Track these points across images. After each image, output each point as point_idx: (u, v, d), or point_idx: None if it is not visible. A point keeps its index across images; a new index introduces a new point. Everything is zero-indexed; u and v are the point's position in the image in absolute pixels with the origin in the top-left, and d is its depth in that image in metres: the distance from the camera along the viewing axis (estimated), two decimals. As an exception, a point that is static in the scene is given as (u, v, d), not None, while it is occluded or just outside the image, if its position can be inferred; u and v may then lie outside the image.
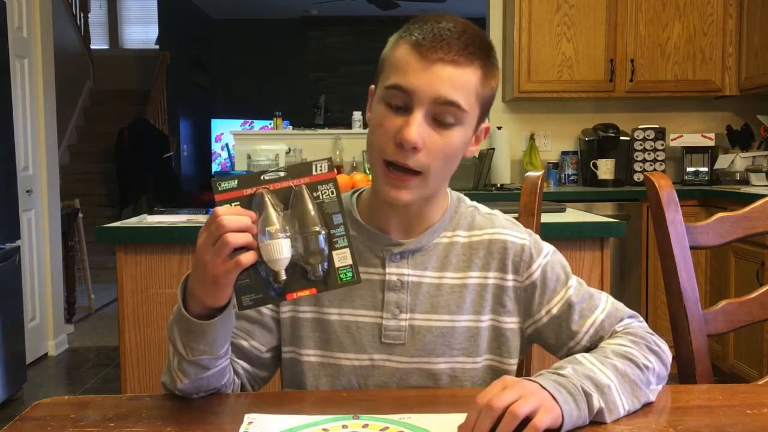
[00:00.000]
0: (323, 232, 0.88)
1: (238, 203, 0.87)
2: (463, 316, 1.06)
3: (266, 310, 1.08)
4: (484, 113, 1.03)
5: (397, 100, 0.97)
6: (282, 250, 0.85)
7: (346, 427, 0.86)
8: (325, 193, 0.88)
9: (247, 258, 0.85)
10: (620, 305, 1.10)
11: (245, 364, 1.08)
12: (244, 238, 0.85)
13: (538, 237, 1.11)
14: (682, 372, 1.24)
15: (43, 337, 4.18)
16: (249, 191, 0.87)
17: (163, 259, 2.07)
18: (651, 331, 1.06)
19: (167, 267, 2.06)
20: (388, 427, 0.86)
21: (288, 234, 0.86)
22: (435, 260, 1.06)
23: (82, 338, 4.67)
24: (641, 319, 1.10)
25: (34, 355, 4.03)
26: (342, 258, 0.88)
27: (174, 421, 0.91)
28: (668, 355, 1.03)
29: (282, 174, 0.88)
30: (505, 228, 1.09)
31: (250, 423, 0.88)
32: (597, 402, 0.88)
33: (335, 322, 1.06)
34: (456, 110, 0.96)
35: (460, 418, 0.89)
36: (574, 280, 1.08)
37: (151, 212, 2.29)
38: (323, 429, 0.86)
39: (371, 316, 1.06)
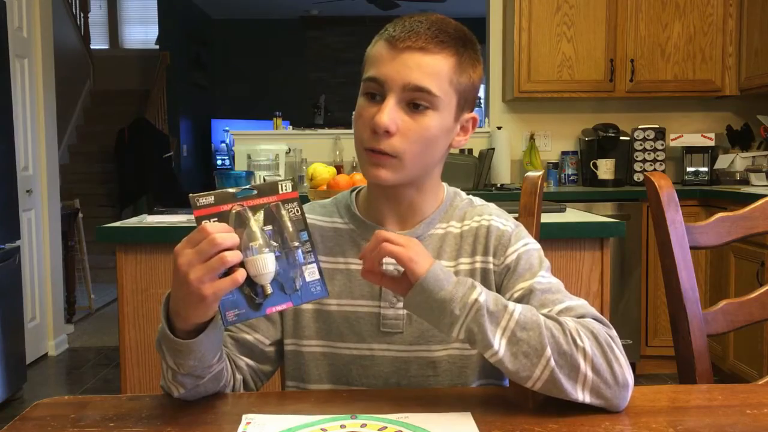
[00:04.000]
0: (301, 248, 0.91)
1: (215, 219, 0.88)
2: None
3: None
4: (465, 103, 1.05)
5: (372, 91, 1.02)
6: (268, 265, 0.88)
7: (344, 426, 0.87)
8: (291, 211, 0.92)
9: (242, 275, 0.86)
10: (592, 310, 0.99)
11: (248, 360, 1.10)
12: (239, 256, 0.86)
13: (525, 230, 1.11)
14: (682, 372, 1.23)
15: (43, 337, 4.18)
16: (225, 207, 0.89)
17: (163, 259, 2.07)
18: (614, 336, 0.94)
19: (167, 267, 2.06)
20: (386, 427, 0.86)
21: (272, 249, 0.89)
22: (430, 250, 1.08)
23: (82, 338, 4.67)
24: (611, 329, 0.96)
25: (34, 355, 4.03)
26: (311, 273, 0.92)
27: (174, 421, 0.91)
28: (624, 367, 0.91)
29: (254, 192, 0.91)
30: (493, 215, 1.11)
31: (248, 423, 0.88)
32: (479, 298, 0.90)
33: (335, 312, 1.09)
34: (427, 95, 1.00)
35: (458, 417, 0.89)
36: (547, 275, 1.05)
37: (151, 212, 2.29)
38: (321, 429, 0.86)
39: (369, 305, 1.08)
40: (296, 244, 0.91)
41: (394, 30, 1.01)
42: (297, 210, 0.92)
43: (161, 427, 0.89)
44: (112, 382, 3.77)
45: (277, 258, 0.89)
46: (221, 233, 0.85)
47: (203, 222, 0.87)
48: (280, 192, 0.92)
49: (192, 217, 0.93)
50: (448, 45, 1.01)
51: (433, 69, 1.00)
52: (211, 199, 0.88)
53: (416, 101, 1.00)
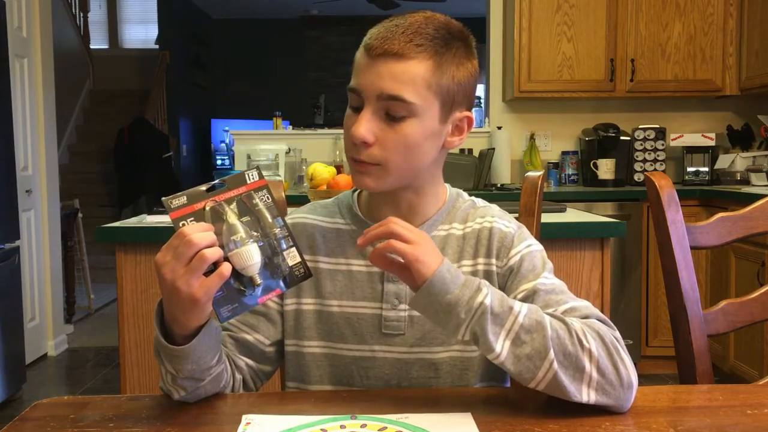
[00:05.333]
0: (280, 234, 0.91)
1: (192, 219, 0.89)
2: None
3: (271, 303, 1.10)
4: (453, 103, 1.02)
5: (353, 101, 1.01)
6: (253, 256, 0.88)
7: (344, 427, 0.86)
8: (262, 199, 0.92)
9: (228, 268, 0.86)
10: (596, 311, 0.99)
11: (248, 360, 1.09)
12: (219, 252, 0.86)
13: (527, 232, 1.11)
14: (683, 372, 1.23)
15: (42, 337, 4.18)
16: (199, 205, 0.89)
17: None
18: (618, 338, 0.95)
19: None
20: (386, 427, 0.86)
21: (254, 239, 0.89)
22: None
23: (82, 338, 4.67)
24: (616, 331, 0.96)
25: (33, 356, 4.03)
26: (292, 257, 0.92)
27: (173, 421, 0.91)
28: (629, 370, 0.91)
29: (224, 186, 0.91)
30: (495, 216, 1.10)
31: (248, 423, 0.88)
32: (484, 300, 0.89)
33: (336, 313, 1.08)
34: (402, 104, 0.98)
35: (459, 417, 0.89)
36: (550, 277, 1.05)
37: (150, 212, 2.29)
38: (321, 429, 0.86)
39: (371, 307, 1.07)
40: (276, 230, 0.91)
41: (370, 37, 1.00)
42: (268, 197, 0.92)
43: (161, 427, 0.89)
44: (111, 382, 3.77)
45: (260, 247, 0.89)
46: (198, 233, 0.85)
47: (181, 225, 0.87)
48: (248, 182, 0.92)
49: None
50: (424, 48, 0.98)
51: (408, 76, 0.97)
52: (183, 200, 0.89)
53: (391, 111, 0.98)
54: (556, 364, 0.88)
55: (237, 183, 0.91)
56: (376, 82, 0.98)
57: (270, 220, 0.91)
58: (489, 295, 0.90)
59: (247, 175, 0.92)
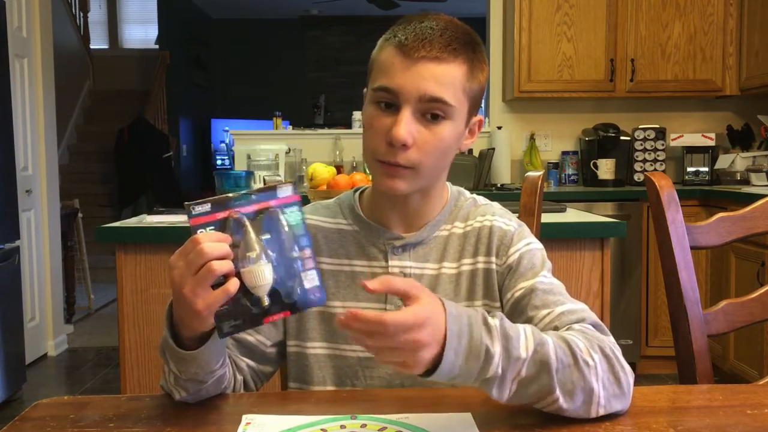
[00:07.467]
0: (300, 255, 0.88)
1: (212, 227, 0.86)
2: (460, 303, 1.05)
3: None
4: (474, 107, 1.05)
5: (383, 100, 0.99)
6: (265, 276, 0.85)
7: (344, 427, 0.86)
8: (291, 216, 0.89)
9: (234, 285, 0.84)
10: (592, 315, 0.99)
11: (249, 361, 1.09)
12: (228, 266, 0.84)
13: (528, 230, 1.11)
14: (683, 372, 1.23)
15: (42, 337, 4.18)
16: (222, 215, 0.86)
17: (162, 259, 2.07)
18: (614, 344, 0.94)
19: (167, 267, 2.06)
20: (386, 427, 0.86)
21: (269, 259, 0.86)
22: (435, 252, 1.08)
23: (82, 338, 4.67)
24: (610, 336, 0.96)
25: (33, 356, 4.03)
26: (311, 280, 0.89)
27: (174, 421, 0.91)
28: (628, 375, 0.91)
29: (252, 197, 0.88)
30: (496, 215, 1.10)
31: (248, 423, 0.88)
32: (494, 370, 0.83)
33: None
34: (443, 105, 0.98)
35: (459, 417, 0.89)
36: (549, 276, 1.04)
37: (150, 212, 2.29)
38: (321, 429, 0.86)
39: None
40: (295, 251, 0.88)
41: (405, 37, 0.98)
42: (298, 214, 0.89)
43: (161, 427, 0.89)
44: (111, 382, 3.77)
45: (274, 267, 0.86)
46: (210, 243, 0.83)
47: (197, 232, 0.85)
48: (279, 196, 0.89)
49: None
50: (460, 52, 0.99)
51: (447, 79, 0.98)
52: (207, 207, 0.86)
53: (432, 111, 0.98)
54: (561, 401, 0.86)
55: (267, 196, 0.88)
56: (418, 83, 0.97)
57: (293, 239, 0.88)
58: (500, 364, 0.83)
59: (279, 190, 0.89)
